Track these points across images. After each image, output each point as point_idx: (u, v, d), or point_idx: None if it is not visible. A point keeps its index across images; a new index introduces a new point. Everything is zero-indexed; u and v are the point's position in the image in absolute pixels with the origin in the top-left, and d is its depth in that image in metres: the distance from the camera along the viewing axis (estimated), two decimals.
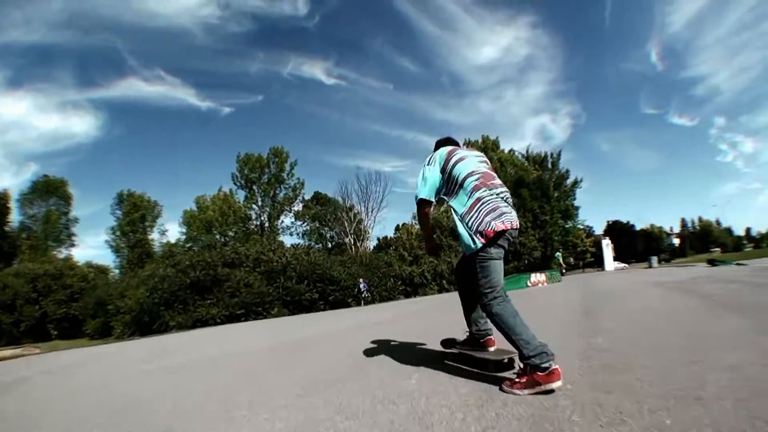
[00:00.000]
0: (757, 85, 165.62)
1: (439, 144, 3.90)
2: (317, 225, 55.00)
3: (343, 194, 50.50)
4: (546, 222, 41.88)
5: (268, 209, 53.94)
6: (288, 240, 50.25)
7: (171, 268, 24.00)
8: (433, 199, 3.54)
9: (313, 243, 49.97)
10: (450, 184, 3.45)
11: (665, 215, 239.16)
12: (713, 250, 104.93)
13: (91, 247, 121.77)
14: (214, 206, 52.77)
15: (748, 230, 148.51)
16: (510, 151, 55.80)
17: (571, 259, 48.77)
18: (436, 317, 9.57)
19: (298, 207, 56.02)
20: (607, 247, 45.04)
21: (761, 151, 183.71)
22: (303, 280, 25.16)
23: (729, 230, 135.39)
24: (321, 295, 25.30)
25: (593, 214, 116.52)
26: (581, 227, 55.48)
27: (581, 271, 52.33)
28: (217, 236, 50.14)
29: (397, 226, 54.73)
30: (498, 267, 3.21)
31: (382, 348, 5.30)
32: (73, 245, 57.05)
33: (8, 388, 5.98)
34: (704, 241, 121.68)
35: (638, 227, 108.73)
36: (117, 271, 52.64)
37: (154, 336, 16.98)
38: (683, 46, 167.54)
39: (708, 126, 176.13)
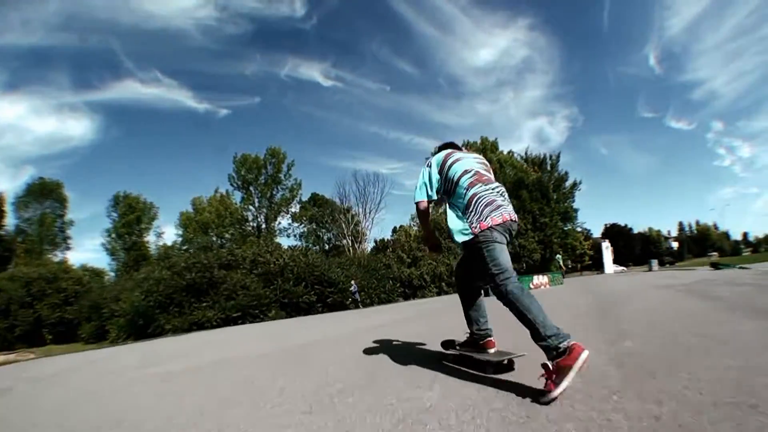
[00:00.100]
0: (754, 89, 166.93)
1: (441, 149, 3.95)
2: (314, 227, 54.83)
3: (341, 195, 50.42)
4: (546, 224, 41.74)
5: (265, 210, 53.59)
6: (285, 242, 50.23)
7: (166, 270, 23.59)
8: (432, 197, 3.66)
9: (310, 245, 49.71)
10: (447, 183, 3.54)
11: (663, 219, 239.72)
12: (711, 254, 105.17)
13: (88, 250, 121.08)
14: (211, 208, 52.51)
15: (745, 234, 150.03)
16: (509, 152, 55.66)
17: (569, 262, 48.48)
18: (442, 319, 9.25)
19: (295, 208, 55.78)
20: (607, 250, 45.06)
21: (758, 155, 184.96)
22: (301, 282, 24.84)
23: (726, 234, 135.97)
24: (319, 298, 24.99)
25: (590, 217, 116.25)
26: (580, 230, 55.39)
27: (579, 274, 52.16)
28: (214, 238, 49.72)
29: (395, 228, 54.73)
30: (504, 251, 3.20)
31: (391, 353, 4.97)
32: (68, 248, 56.97)
33: None
34: (702, 245, 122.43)
35: (636, 230, 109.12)
36: (113, 274, 52.33)
37: (148, 340, 16.64)
38: (681, 50, 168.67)
39: (705, 130, 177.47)
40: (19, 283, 32.96)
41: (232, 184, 53.89)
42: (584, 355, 2.59)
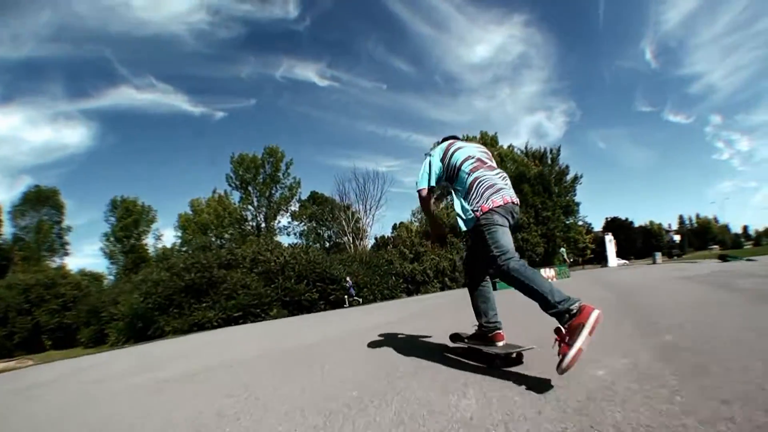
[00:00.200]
0: (752, 83, 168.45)
1: (443, 140, 4.02)
2: (314, 225, 54.49)
3: (341, 192, 50.06)
4: (548, 218, 41.45)
5: (264, 209, 53.18)
6: (285, 240, 49.66)
7: (165, 271, 23.08)
8: (433, 185, 3.75)
9: (311, 243, 49.20)
10: (450, 170, 3.64)
11: (663, 212, 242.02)
12: (711, 247, 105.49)
13: (88, 255, 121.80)
14: (209, 209, 52.12)
15: (745, 228, 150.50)
16: (509, 146, 55.30)
17: (572, 256, 48.21)
18: (450, 315, 8.76)
19: (294, 207, 55.43)
20: (610, 243, 44.92)
21: (757, 149, 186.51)
22: (302, 279, 24.30)
23: (727, 228, 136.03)
24: (321, 295, 24.48)
25: (591, 210, 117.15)
26: (582, 223, 55.21)
27: (581, 267, 51.93)
28: (213, 238, 49.31)
29: (395, 225, 54.60)
30: (506, 232, 3.23)
31: (405, 352, 4.55)
32: (66, 254, 56.65)
33: None
34: (703, 238, 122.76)
35: (637, 224, 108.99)
36: (112, 277, 51.96)
37: (147, 342, 16.13)
38: (678, 44, 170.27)
39: (704, 124, 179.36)
40: (16, 291, 32.40)
41: (230, 184, 53.55)
42: (595, 313, 2.58)
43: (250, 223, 53.22)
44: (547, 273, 23.64)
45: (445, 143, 3.83)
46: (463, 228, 3.42)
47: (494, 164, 3.68)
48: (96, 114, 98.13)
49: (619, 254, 52.06)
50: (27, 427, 4.01)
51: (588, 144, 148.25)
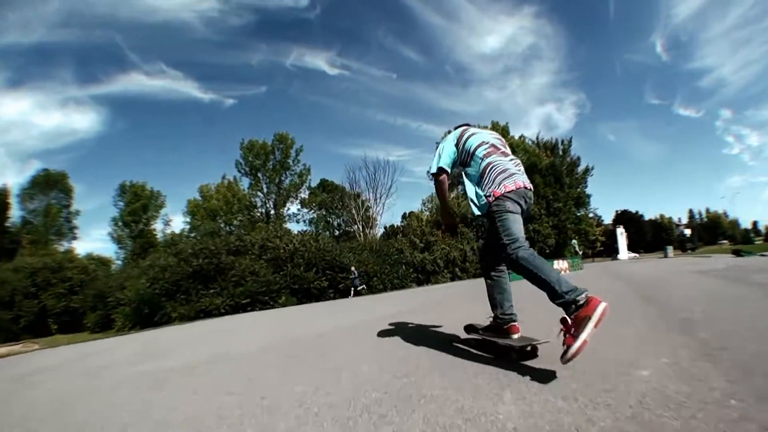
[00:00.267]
0: (763, 78, 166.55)
1: (457, 128, 3.94)
2: (324, 213, 54.07)
3: (351, 181, 49.75)
4: (559, 209, 41.01)
5: (273, 196, 52.79)
6: (294, 227, 49.18)
7: (172, 256, 22.73)
8: (448, 170, 3.70)
9: (320, 230, 48.83)
10: (464, 154, 3.61)
11: (672, 206, 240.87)
12: (721, 241, 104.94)
13: (97, 240, 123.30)
14: (218, 195, 51.72)
15: (755, 223, 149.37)
16: (521, 137, 54.69)
17: (582, 248, 47.83)
18: (466, 306, 8.24)
19: (304, 194, 54.98)
20: (622, 236, 44.67)
21: (767, 144, 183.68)
22: (311, 267, 23.91)
23: (736, 222, 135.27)
24: (330, 283, 24.08)
25: (600, 203, 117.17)
26: (593, 215, 54.81)
27: (591, 260, 51.49)
28: (222, 225, 49.01)
29: (404, 214, 54.23)
30: (517, 220, 3.23)
31: (426, 346, 4.16)
32: (74, 238, 56.68)
33: None
34: (713, 232, 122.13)
35: (647, 217, 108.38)
36: (119, 262, 51.87)
37: (153, 329, 15.75)
38: (688, 38, 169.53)
39: (714, 118, 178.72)
40: (23, 274, 32.26)
41: (239, 171, 53.19)
42: (602, 306, 2.55)
43: (260, 209, 52.85)
44: (561, 265, 23.29)
45: (460, 129, 3.82)
46: (476, 213, 3.41)
47: (508, 150, 3.68)
48: (106, 99, 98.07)
49: (629, 247, 51.73)
50: (18, 418, 3.61)
51: (598, 136, 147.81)
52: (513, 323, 3.50)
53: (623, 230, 46.76)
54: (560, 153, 51.75)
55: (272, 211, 52.48)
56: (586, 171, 51.91)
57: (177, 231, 55.94)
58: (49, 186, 55.98)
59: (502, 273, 3.69)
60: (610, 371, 2.62)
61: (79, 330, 29.38)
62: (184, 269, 21.16)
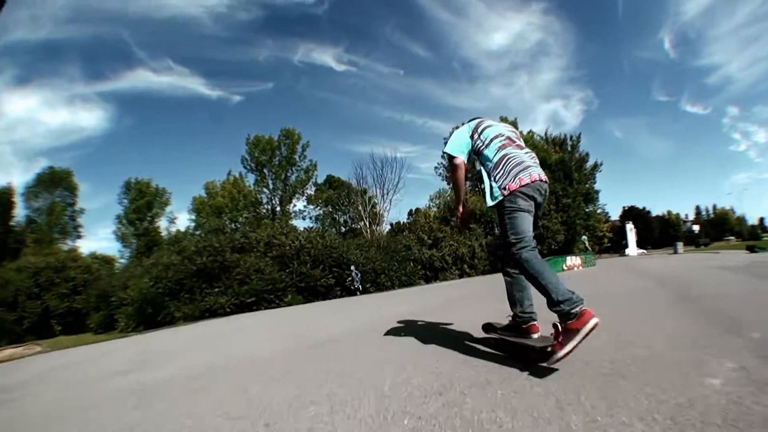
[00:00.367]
0: None
1: (471, 120, 3.86)
2: (330, 209, 53.49)
3: (358, 176, 49.17)
4: (569, 205, 40.56)
5: (279, 192, 51.93)
6: (300, 224, 48.54)
7: (176, 254, 22.21)
8: (463, 156, 3.60)
9: (326, 227, 48.35)
10: (478, 145, 3.54)
11: (679, 202, 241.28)
12: (728, 238, 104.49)
13: (102, 239, 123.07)
14: (224, 191, 51.07)
15: (761, 219, 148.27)
16: (529, 132, 54.06)
17: (591, 244, 47.45)
18: (483, 305, 7.65)
19: (310, 190, 54.25)
20: (631, 232, 44.47)
21: None
22: (318, 264, 23.34)
23: (743, 219, 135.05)
24: (337, 281, 23.52)
25: (607, 199, 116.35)
26: (601, 211, 54.37)
27: (598, 256, 51.06)
28: (228, 222, 48.38)
29: (410, 210, 53.69)
30: (526, 218, 3.20)
31: (454, 351, 3.78)
32: (79, 237, 56.10)
33: None
34: (720, 229, 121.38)
35: (654, 213, 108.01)
36: (124, 261, 51.35)
37: (155, 330, 15.28)
38: (696, 35, 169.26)
39: (721, 115, 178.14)
40: (26, 274, 31.89)
41: (245, 166, 52.33)
42: (593, 321, 2.64)
43: (265, 206, 51.99)
44: (574, 261, 22.78)
45: (475, 120, 3.74)
46: (489, 203, 3.32)
47: (522, 143, 3.62)
48: (113, 96, 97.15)
49: (637, 244, 51.28)
50: None
51: (605, 133, 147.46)
52: (533, 322, 3.44)
53: (632, 226, 46.28)
54: (569, 149, 51.09)
55: (278, 208, 51.64)
56: (595, 167, 51.29)
57: (182, 229, 55.39)
58: (54, 184, 55.45)
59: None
60: (676, 379, 2.36)
61: (83, 331, 29.01)
62: (188, 267, 20.65)
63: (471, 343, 4.10)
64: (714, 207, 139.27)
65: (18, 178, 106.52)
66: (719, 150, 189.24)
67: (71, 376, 6.00)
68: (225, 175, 53.94)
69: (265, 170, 51.69)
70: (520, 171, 3.21)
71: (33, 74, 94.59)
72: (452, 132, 3.94)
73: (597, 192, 51.14)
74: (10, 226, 49.70)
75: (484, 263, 32.52)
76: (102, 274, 34.37)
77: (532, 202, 3.23)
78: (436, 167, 56.21)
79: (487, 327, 4.01)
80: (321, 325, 7.92)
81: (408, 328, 5.47)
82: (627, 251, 44.24)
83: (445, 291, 14.23)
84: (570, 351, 2.67)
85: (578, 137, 52.65)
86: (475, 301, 9.29)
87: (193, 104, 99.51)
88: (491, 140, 3.49)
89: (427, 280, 29.75)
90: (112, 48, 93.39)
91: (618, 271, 15.43)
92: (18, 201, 52.29)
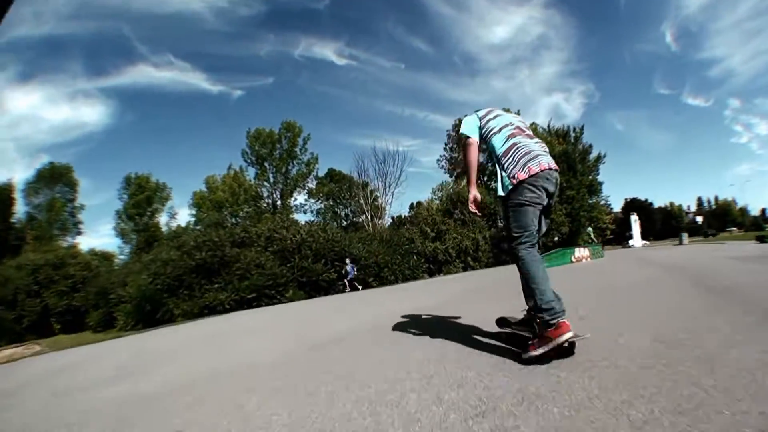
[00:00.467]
0: None
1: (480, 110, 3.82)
2: (331, 203, 53.08)
3: (359, 169, 48.62)
4: (573, 197, 40.22)
5: (280, 186, 51.59)
6: (301, 218, 47.92)
7: (175, 250, 21.71)
8: (476, 137, 3.57)
9: (328, 221, 48.00)
10: (488, 134, 3.52)
11: (680, 194, 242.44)
12: (730, 229, 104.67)
13: (104, 235, 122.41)
14: (224, 186, 50.73)
15: (763, 210, 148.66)
16: (532, 124, 53.61)
17: (596, 235, 47.23)
18: (491, 298, 7.38)
19: (311, 184, 53.85)
20: (636, 224, 44.29)
21: None
22: (320, 258, 22.82)
23: (745, 210, 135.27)
24: (340, 275, 22.97)
25: (608, 191, 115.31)
26: (605, 203, 54.07)
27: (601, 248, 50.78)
28: (228, 216, 47.92)
29: (412, 204, 53.37)
30: (532, 213, 3.20)
31: (482, 354, 3.46)
32: (79, 233, 55.79)
33: None
34: (722, 219, 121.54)
35: (656, 205, 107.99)
36: (123, 257, 51.06)
37: (152, 330, 14.83)
38: (698, 28, 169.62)
39: (722, 107, 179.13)
40: (25, 271, 31.54)
41: (245, 160, 52.08)
42: (567, 335, 2.81)
43: (266, 200, 51.66)
44: (582, 253, 22.39)
45: (484, 110, 3.72)
46: (500, 193, 3.32)
47: (532, 133, 3.58)
48: (114, 92, 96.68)
49: (641, 235, 51.17)
50: None
51: (606, 126, 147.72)
52: None
53: (637, 218, 46.02)
54: (572, 140, 50.68)
55: (279, 202, 51.26)
56: (598, 158, 50.98)
57: (183, 224, 54.81)
58: (54, 180, 55.06)
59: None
60: (753, 387, 2.05)
61: (82, 329, 28.64)
62: (187, 263, 20.14)
63: (487, 340, 3.91)
64: (716, 198, 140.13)
65: (20, 174, 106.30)
66: (721, 142, 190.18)
67: (60, 384, 5.55)
68: (226, 169, 53.67)
69: (266, 164, 51.32)
70: (529, 160, 3.20)
71: (36, 70, 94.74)
72: (461, 120, 3.76)
73: (600, 184, 50.81)
74: (11, 222, 49.36)
75: (488, 256, 32.12)
76: (101, 271, 33.99)
77: (542, 193, 3.20)
78: (438, 160, 56.00)
79: (501, 321, 3.96)
80: (325, 324, 7.47)
81: (418, 327, 5.08)
82: (631, 242, 44.17)
83: (450, 285, 13.78)
84: (541, 355, 2.86)
85: (581, 129, 52.30)
86: (483, 295, 8.93)
87: (195, 99, 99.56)
88: (501, 128, 3.48)
89: (431, 274, 29.30)
90: (114, 43, 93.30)
91: (631, 262, 15.16)
92: (18, 197, 51.96)
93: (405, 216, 43.88)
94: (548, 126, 52.79)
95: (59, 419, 3.58)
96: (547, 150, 3.43)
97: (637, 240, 44.22)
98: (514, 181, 3.17)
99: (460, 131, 3.67)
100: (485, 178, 35.46)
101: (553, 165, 3.30)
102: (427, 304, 7.81)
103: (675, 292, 5.71)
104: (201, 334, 9.19)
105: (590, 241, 32.35)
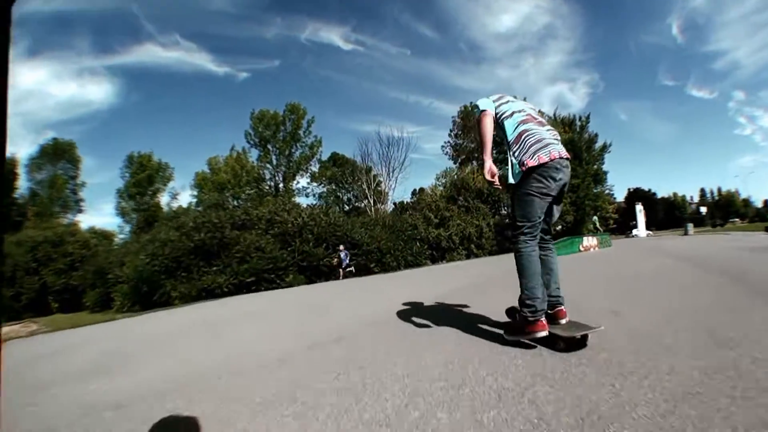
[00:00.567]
0: None
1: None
2: (334, 187, 52.94)
3: (363, 153, 48.55)
4: (578, 186, 39.87)
5: (283, 168, 51.20)
6: (304, 202, 47.63)
7: (174, 230, 21.28)
8: (491, 110, 3.44)
9: (331, 204, 47.67)
10: (500, 115, 3.46)
11: (683, 185, 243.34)
12: (733, 220, 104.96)
13: (107, 214, 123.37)
14: (227, 167, 50.42)
15: (765, 202, 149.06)
16: (538, 112, 53.12)
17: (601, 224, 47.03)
18: (503, 288, 6.70)
19: (314, 167, 53.50)
20: (640, 213, 44.39)
21: None
22: (321, 243, 22.41)
23: (749, 201, 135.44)
24: (339, 262, 22.51)
25: (611, 181, 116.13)
26: (609, 192, 53.79)
27: None
28: (230, 198, 47.47)
29: (414, 190, 53.14)
30: (538, 203, 3.17)
31: (486, 337, 3.48)
32: (80, 211, 56.01)
33: None
34: (726, 210, 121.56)
35: (659, 195, 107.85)
36: (123, 236, 50.99)
37: (148, 312, 14.37)
38: (705, 21, 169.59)
39: (726, 99, 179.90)
40: (24, 248, 31.45)
41: (248, 141, 51.66)
42: (542, 333, 3.01)
43: (268, 182, 51.30)
44: (590, 242, 22.27)
45: (496, 95, 3.63)
46: (511, 181, 3.28)
47: (544, 121, 3.52)
48: (120, 70, 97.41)
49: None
50: None
51: (610, 116, 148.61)
52: (560, 307, 3.36)
53: (642, 207, 45.90)
54: (578, 129, 50.16)
55: (281, 185, 50.94)
56: (604, 148, 50.38)
57: (184, 205, 54.56)
58: (57, 156, 55.15)
59: (549, 251, 3.48)
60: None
61: (80, 308, 28.50)
62: (185, 244, 19.73)
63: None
64: (719, 190, 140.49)
65: (25, 150, 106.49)
66: (724, 133, 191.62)
67: (34, 376, 5.09)
68: (229, 151, 53.23)
69: (269, 146, 50.93)
70: (540, 149, 3.15)
71: (43, 46, 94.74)
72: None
73: (605, 173, 50.41)
74: (13, 198, 48.98)
75: (491, 243, 31.71)
76: (99, 250, 33.75)
77: (551, 183, 3.15)
78: (442, 146, 55.63)
79: (511, 311, 3.88)
80: (327, 313, 7.02)
81: (429, 320, 4.68)
82: (635, 232, 44.32)
83: (456, 272, 13.49)
84: (514, 340, 3.18)
85: (587, 118, 51.75)
86: (491, 283, 8.67)
87: (200, 80, 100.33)
88: (512, 113, 3.41)
89: (434, 261, 28.97)
90: (122, 21, 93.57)
91: (636, 250, 15.15)
92: (21, 173, 51.86)
93: (408, 202, 43.79)
94: (554, 114, 52.35)
95: (29, 418, 3.15)
96: (559, 138, 3.39)
97: (641, 230, 44.14)
98: (524, 168, 3.14)
99: (474, 107, 3.59)
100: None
101: (564, 153, 3.24)
102: (435, 293, 7.36)
103: (705, 286, 5.43)
104: (196, 320, 8.74)
105: (595, 230, 32.06)
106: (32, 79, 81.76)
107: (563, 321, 3.29)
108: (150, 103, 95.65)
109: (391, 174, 47.63)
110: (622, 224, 55.47)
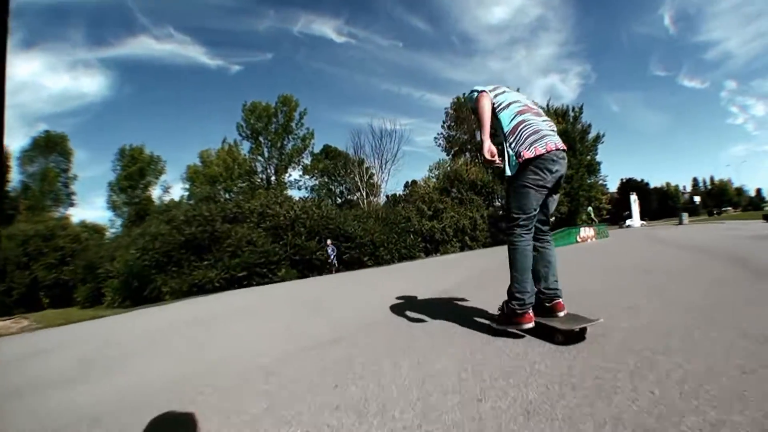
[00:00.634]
0: None
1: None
2: (326, 180, 52.63)
3: (356, 145, 48.53)
4: (572, 177, 39.99)
5: (275, 161, 50.72)
6: (296, 194, 47.36)
7: (164, 224, 21.04)
8: (487, 90, 3.42)
9: (323, 197, 47.52)
10: (496, 105, 3.40)
11: (675, 174, 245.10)
12: (726, 208, 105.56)
13: (99, 208, 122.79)
14: (219, 160, 49.98)
15: (758, 191, 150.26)
16: (533, 102, 53.00)
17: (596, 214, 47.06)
18: (504, 282, 6.59)
19: (307, 160, 53.14)
20: (635, 203, 44.46)
21: None
22: (314, 236, 22.27)
23: (742, 190, 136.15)
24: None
25: (604, 171, 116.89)
26: (602, 183, 53.82)
27: None
28: (222, 192, 47.18)
29: (407, 183, 53.02)
30: (533, 196, 3.15)
31: (513, 350, 2.98)
32: (72, 204, 55.29)
33: None
34: (719, 199, 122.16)
35: (652, 185, 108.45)
36: (114, 230, 50.59)
37: (138, 309, 14.24)
38: (696, 12, 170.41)
39: (719, 89, 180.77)
40: (15, 242, 31.06)
41: (240, 134, 51.09)
42: (528, 325, 3.11)
43: (260, 175, 50.82)
44: (587, 233, 22.30)
45: (491, 86, 3.56)
46: (508, 173, 3.24)
47: (541, 111, 3.51)
48: (114, 63, 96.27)
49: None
50: None
51: (602, 107, 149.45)
52: (557, 300, 3.30)
53: (636, 197, 45.93)
54: (571, 120, 50.05)
55: (273, 177, 50.45)
56: (597, 138, 50.34)
57: (176, 198, 54.33)
58: (49, 148, 54.58)
59: (546, 242, 3.45)
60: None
61: (71, 303, 28.13)
62: (176, 238, 19.53)
63: (526, 337, 3.27)
64: (711, 179, 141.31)
65: (18, 142, 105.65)
66: (716, 123, 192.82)
67: (11, 380, 4.89)
68: (221, 144, 52.89)
69: (261, 138, 50.41)
70: (536, 140, 3.11)
71: (38, 38, 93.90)
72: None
73: (599, 164, 50.40)
74: (5, 191, 48.48)
75: (485, 235, 31.62)
76: (90, 245, 33.39)
77: (547, 175, 3.12)
78: (435, 138, 55.43)
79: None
80: (323, 311, 6.71)
81: (432, 318, 4.41)
82: (629, 222, 44.24)
83: (449, 265, 13.37)
84: (501, 331, 3.27)
85: (580, 108, 51.68)
86: (488, 276, 8.39)
87: (193, 73, 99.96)
88: (509, 104, 3.38)
89: (428, 253, 28.91)
90: (116, 13, 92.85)
91: (636, 241, 15.03)
92: (13, 166, 51.20)
93: (400, 194, 43.78)
94: (547, 105, 52.26)
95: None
96: (555, 129, 3.36)
97: (636, 220, 44.12)
98: (520, 160, 3.09)
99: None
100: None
101: (561, 145, 3.21)
102: (433, 289, 7.08)
103: (715, 275, 5.32)
104: (185, 317, 8.55)
105: (590, 220, 31.97)
106: (26, 71, 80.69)
107: (561, 314, 3.24)
108: (143, 96, 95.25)
109: (383, 166, 47.66)
110: (615, 215, 55.34)
